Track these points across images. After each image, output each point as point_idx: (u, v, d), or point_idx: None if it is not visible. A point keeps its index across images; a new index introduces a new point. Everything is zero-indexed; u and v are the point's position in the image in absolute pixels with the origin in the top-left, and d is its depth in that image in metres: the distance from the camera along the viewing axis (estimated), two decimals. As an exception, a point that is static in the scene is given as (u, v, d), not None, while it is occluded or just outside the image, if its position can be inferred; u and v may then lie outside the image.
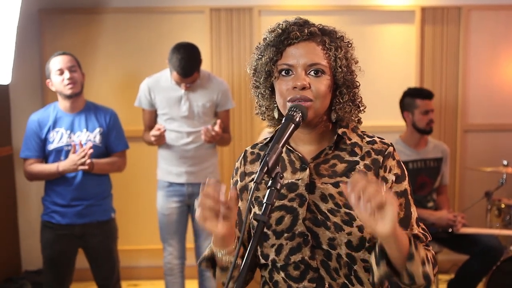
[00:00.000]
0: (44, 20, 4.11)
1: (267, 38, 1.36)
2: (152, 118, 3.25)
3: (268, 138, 1.45)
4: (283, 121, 1.27)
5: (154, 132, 3.06)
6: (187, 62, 2.97)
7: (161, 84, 3.17)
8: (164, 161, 3.25)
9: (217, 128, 3.00)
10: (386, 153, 1.36)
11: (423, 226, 1.38)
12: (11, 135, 4.11)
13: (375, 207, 1.09)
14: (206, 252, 1.38)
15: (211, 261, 1.36)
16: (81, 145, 2.78)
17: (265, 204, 1.17)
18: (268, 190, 1.18)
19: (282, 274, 1.34)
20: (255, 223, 1.32)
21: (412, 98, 3.47)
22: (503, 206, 3.57)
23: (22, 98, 4.13)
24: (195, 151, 3.19)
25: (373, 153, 1.36)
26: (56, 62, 2.84)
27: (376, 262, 1.23)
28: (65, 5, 4.15)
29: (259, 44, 1.39)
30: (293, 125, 1.25)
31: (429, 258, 1.25)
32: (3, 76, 3.36)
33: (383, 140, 1.39)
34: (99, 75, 4.17)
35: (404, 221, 1.33)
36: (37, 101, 4.08)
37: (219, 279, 1.36)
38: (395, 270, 1.23)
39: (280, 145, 1.21)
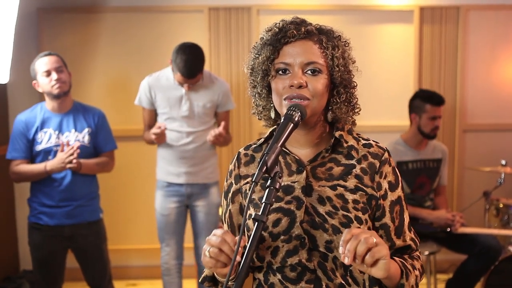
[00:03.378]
0: (43, 19, 4.10)
1: (264, 37, 1.35)
2: (152, 117, 3.23)
3: (262, 140, 1.44)
4: (281, 120, 1.26)
5: (154, 130, 3.03)
6: (192, 63, 2.95)
7: (161, 83, 3.15)
8: (163, 161, 3.23)
9: (221, 129, 3.01)
10: (382, 158, 1.36)
11: (413, 230, 1.41)
12: (9, 135, 4.09)
13: (369, 264, 1.14)
14: (207, 272, 1.38)
15: (213, 280, 1.37)
16: (68, 144, 2.76)
17: (264, 203, 1.17)
18: (267, 190, 1.18)
19: (279, 276, 1.32)
20: (250, 224, 1.33)
21: (423, 101, 3.41)
22: (501, 206, 3.57)
23: (20, 97, 4.12)
24: (194, 151, 3.17)
25: (369, 157, 1.36)
26: (42, 64, 2.80)
27: (369, 285, 1.32)
28: (63, 4, 4.14)
29: (256, 43, 1.38)
30: (292, 124, 1.24)
31: (417, 279, 1.33)
32: (1, 75, 3.35)
33: (379, 144, 1.40)
34: (98, 74, 4.16)
35: (398, 230, 1.36)
36: (35, 100, 4.06)
37: None
38: None
39: (279, 144, 1.21)
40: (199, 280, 1.40)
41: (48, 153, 2.84)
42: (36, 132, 2.85)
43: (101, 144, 2.97)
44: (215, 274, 1.31)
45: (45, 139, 2.85)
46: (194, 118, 3.15)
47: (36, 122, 2.86)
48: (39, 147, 2.85)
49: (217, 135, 3.01)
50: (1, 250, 3.98)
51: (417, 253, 1.39)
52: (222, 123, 3.06)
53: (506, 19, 4.26)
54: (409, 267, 1.31)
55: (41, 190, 2.87)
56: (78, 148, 2.75)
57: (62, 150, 2.74)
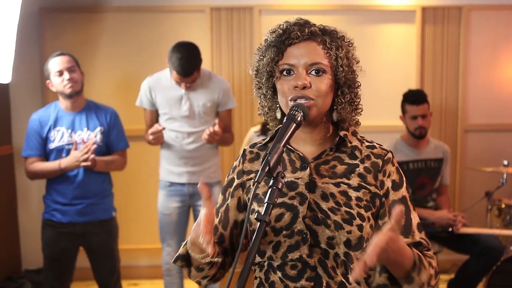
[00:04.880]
0: (45, 19, 4.11)
1: (268, 39, 1.37)
2: (153, 117, 3.23)
3: (267, 138, 1.45)
4: (284, 120, 1.28)
5: (152, 129, 3.04)
6: (187, 61, 2.95)
7: (161, 84, 3.16)
8: (165, 161, 3.24)
9: (216, 128, 2.98)
10: (385, 158, 1.38)
11: (424, 232, 1.39)
12: (11, 134, 4.11)
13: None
14: (180, 250, 1.38)
15: (186, 260, 1.37)
16: (84, 142, 2.80)
17: (266, 203, 1.18)
18: (270, 190, 1.19)
19: (279, 274, 1.33)
20: (252, 219, 1.34)
21: (404, 101, 3.46)
22: (503, 206, 3.57)
23: (22, 97, 4.13)
24: (196, 151, 3.17)
25: (372, 157, 1.37)
26: (55, 64, 2.84)
27: (379, 271, 1.27)
28: (65, 4, 4.15)
29: (261, 45, 1.40)
30: (294, 124, 1.26)
31: (431, 278, 1.29)
32: (4, 75, 3.36)
33: (382, 146, 1.41)
34: (100, 74, 4.17)
35: (406, 228, 1.35)
36: (37, 100, 4.08)
37: (195, 277, 1.38)
38: (394, 281, 1.28)
39: (282, 144, 1.22)
40: (172, 261, 1.41)
41: (60, 151, 2.86)
42: (49, 130, 2.88)
43: (113, 143, 2.99)
44: (190, 252, 1.32)
45: (58, 138, 2.87)
46: (195, 118, 3.15)
47: (50, 120, 2.89)
48: (52, 145, 2.87)
49: (212, 133, 2.97)
50: (3, 250, 3.99)
51: (430, 252, 1.36)
52: (217, 121, 3.04)
53: (508, 19, 4.26)
54: (425, 263, 1.28)
55: (55, 187, 2.91)
56: (95, 144, 2.78)
57: (76, 149, 2.77)
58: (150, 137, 3.07)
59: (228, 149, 4.11)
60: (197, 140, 3.15)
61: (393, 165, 1.38)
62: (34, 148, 2.88)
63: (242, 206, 1.43)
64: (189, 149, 3.16)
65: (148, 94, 3.18)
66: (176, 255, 1.39)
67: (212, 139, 3.01)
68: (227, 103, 3.22)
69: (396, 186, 1.36)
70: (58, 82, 2.84)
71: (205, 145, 3.17)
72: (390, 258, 1.17)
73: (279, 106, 1.38)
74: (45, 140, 2.88)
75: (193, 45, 3.04)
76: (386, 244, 1.12)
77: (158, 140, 3.10)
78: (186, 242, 1.34)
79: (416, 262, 1.24)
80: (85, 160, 2.74)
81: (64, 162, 2.79)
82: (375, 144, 1.41)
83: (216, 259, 1.31)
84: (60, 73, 2.83)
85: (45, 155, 2.90)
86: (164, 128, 3.05)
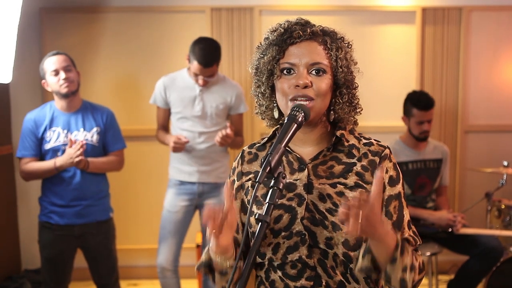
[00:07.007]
0: (45, 19, 4.11)
1: (269, 37, 1.37)
2: (166, 116, 3.27)
3: (266, 139, 1.46)
4: (285, 121, 1.28)
5: (175, 139, 3.07)
6: (209, 52, 3.05)
7: (176, 83, 3.20)
8: (176, 160, 3.25)
9: (228, 131, 3.03)
10: (382, 154, 1.37)
11: (414, 229, 1.38)
12: (11, 134, 4.10)
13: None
14: (203, 257, 1.38)
15: (209, 267, 1.36)
16: (73, 142, 2.76)
17: (267, 204, 1.18)
18: (271, 190, 1.19)
19: (279, 273, 1.34)
20: (252, 221, 1.34)
21: (411, 105, 3.44)
22: (503, 207, 3.57)
23: (23, 97, 4.12)
24: (206, 151, 3.20)
25: (370, 155, 1.37)
26: (51, 63, 2.83)
27: (362, 254, 1.26)
28: (66, 4, 4.15)
29: (261, 43, 1.40)
30: (295, 125, 1.26)
31: (414, 264, 1.27)
32: (4, 75, 3.36)
33: (380, 143, 1.41)
34: (100, 74, 4.17)
35: (396, 224, 1.34)
36: (37, 100, 4.08)
37: (219, 283, 1.36)
38: (377, 267, 1.26)
39: (283, 145, 1.22)
40: (196, 268, 1.39)
41: (56, 152, 2.85)
42: (45, 130, 2.86)
43: (109, 143, 2.98)
44: (212, 255, 1.30)
45: (54, 138, 2.86)
46: (207, 118, 3.19)
47: (45, 120, 2.87)
48: (47, 146, 2.86)
49: (225, 136, 3.03)
50: (3, 250, 3.99)
51: (418, 253, 1.35)
52: (228, 124, 3.09)
53: (509, 20, 4.26)
54: (409, 249, 1.26)
55: (51, 189, 2.89)
56: (84, 145, 2.77)
57: (71, 146, 2.76)
58: (171, 145, 3.10)
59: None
60: (208, 140, 3.18)
61: (390, 161, 1.38)
62: (29, 148, 2.87)
63: (245, 208, 1.43)
64: (200, 148, 3.19)
65: (162, 93, 3.22)
66: (199, 262, 1.38)
67: (225, 141, 3.07)
68: (239, 107, 3.28)
69: (392, 181, 1.36)
70: (54, 81, 2.83)
71: (215, 146, 3.19)
72: (375, 230, 1.18)
73: (277, 106, 1.39)
74: (41, 140, 2.87)
75: (215, 40, 3.20)
76: (371, 205, 1.15)
77: (178, 150, 3.13)
78: (209, 248, 1.33)
79: (398, 242, 1.23)
80: (78, 156, 2.72)
81: (59, 160, 2.78)
82: (372, 141, 1.40)
83: (238, 263, 1.26)
84: (56, 72, 2.81)
85: (40, 155, 2.88)
86: (188, 141, 3.10)
